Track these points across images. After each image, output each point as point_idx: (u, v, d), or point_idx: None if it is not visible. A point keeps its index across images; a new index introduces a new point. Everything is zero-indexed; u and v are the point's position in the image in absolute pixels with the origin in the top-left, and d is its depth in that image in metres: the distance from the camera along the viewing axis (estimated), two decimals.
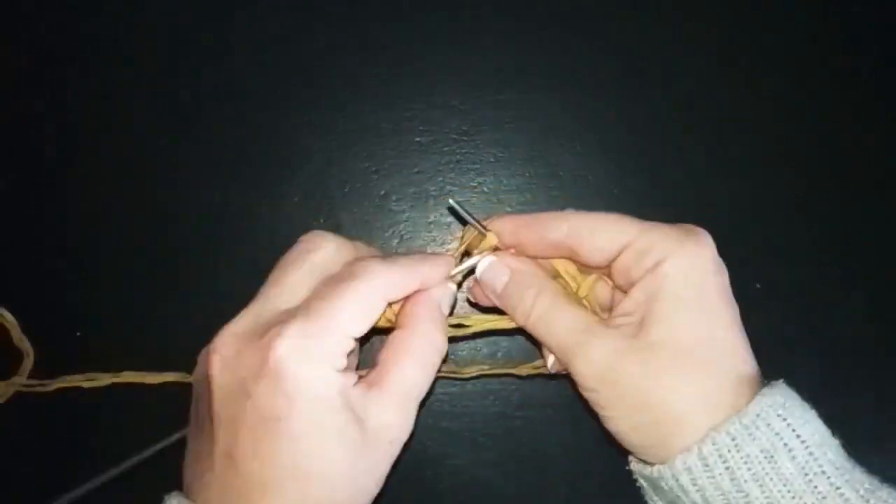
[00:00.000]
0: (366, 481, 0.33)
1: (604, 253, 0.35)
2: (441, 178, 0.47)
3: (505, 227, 0.38)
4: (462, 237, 0.39)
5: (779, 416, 0.31)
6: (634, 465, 0.35)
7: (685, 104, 0.47)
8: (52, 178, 0.47)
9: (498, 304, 0.38)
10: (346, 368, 0.33)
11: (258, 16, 0.47)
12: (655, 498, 0.34)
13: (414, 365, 0.34)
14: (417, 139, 0.47)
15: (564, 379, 0.38)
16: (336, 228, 0.46)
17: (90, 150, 0.47)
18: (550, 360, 0.37)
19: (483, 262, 0.38)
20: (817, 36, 0.48)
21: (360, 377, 0.34)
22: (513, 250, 0.38)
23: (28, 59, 0.47)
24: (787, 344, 0.45)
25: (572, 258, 0.37)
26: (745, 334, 0.34)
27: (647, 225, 0.34)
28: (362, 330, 0.33)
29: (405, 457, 0.45)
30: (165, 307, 0.45)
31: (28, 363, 0.45)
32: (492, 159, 0.47)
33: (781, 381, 0.33)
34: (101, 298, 0.45)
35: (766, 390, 0.32)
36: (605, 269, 0.36)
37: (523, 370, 0.41)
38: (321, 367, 0.32)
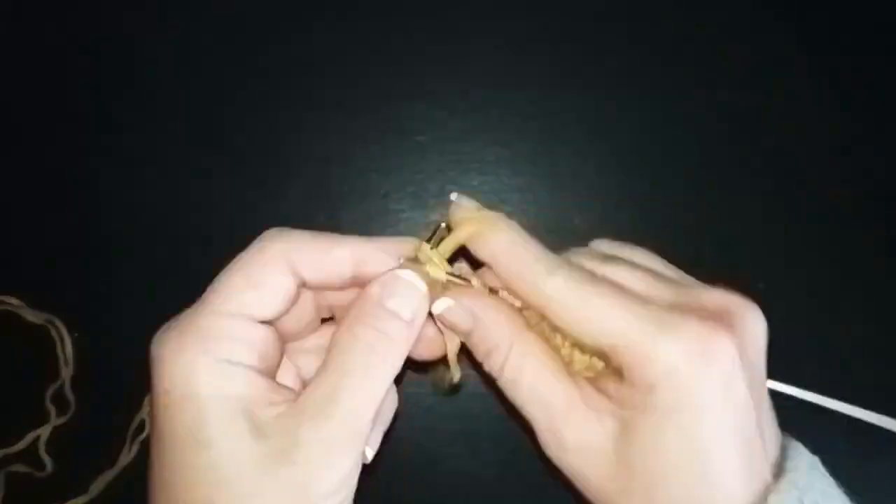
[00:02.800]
0: None
1: (586, 345, 0.29)
2: (441, 179, 0.47)
3: (486, 251, 0.31)
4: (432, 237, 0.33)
5: None
6: None
7: (685, 104, 0.47)
8: (50, 179, 0.46)
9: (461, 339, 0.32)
10: (261, 372, 0.26)
11: (258, 15, 0.47)
12: None
13: (337, 373, 0.27)
14: (417, 139, 0.47)
15: None
16: (336, 228, 0.45)
17: (90, 150, 0.47)
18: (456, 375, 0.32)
19: (439, 306, 0.31)
20: (818, 36, 0.48)
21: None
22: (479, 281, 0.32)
23: (27, 59, 0.47)
24: (789, 344, 0.45)
25: None
26: (757, 439, 0.28)
27: (646, 328, 0.27)
28: (263, 308, 0.27)
29: (405, 457, 0.45)
30: (165, 307, 0.45)
31: (62, 331, 0.44)
32: (492, 159, 0.47)
33: (802, 460, 0.28)
34: (100, 299, 0.45)
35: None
36: None
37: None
38: (188, 358, 0.25)
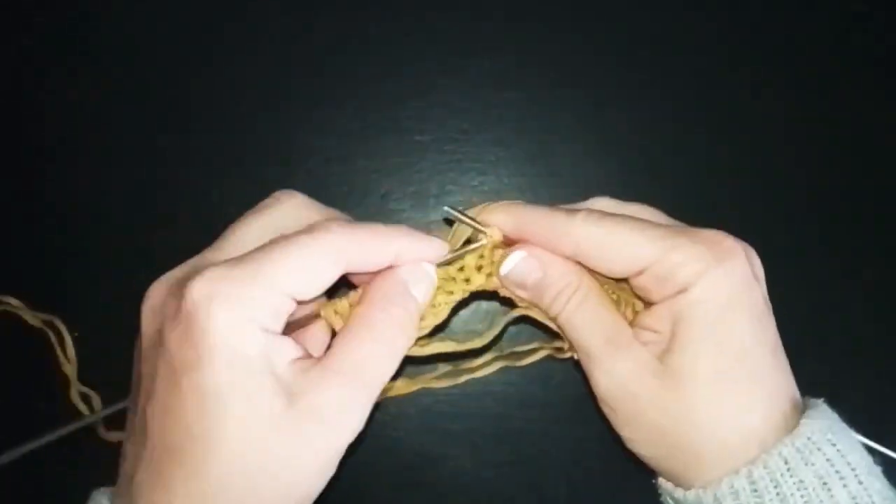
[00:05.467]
0: (290, 468, 0.27)
1: (618, 273, 0.33)
2: (441, 178, 0.47)
3: (506, 220, 0.35)
4: (453, 233, 0.36)
5: (829, 440, 0.30)
6: (664, 486, 0.33)
7: (685, 104, 0.47)
8: (50, 178, 0.47)
9: (524, 296, 0.35)
10: (285, 336, 0.29)
11: (258, 15, 0.47)
12: None
13: (371, 342, 0.30)
14: (417, 139, 0.47)
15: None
16: None
17: (89, 149, 0.47)
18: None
19: (513, 258, 0.34)
20: (818, 35, 0.48)
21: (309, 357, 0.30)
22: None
23: (28, 58, 0.47)
24: (789, 345, 0.45)
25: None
26: (780, 352, 0.33)
27: (669, 243, 0.31)
28: (306, 291, 0.29)
29: (405, 458, 0.45)
30: None
31: (62, 331, 0.44)
32: (492, 158, 0.47)
33: (822, 401, 0.32)
34: (100, 298, 0.45)
35: (812, 412, 0.31)
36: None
37: (537, 353, 0.39)
38: (240, 318, 0.27)
